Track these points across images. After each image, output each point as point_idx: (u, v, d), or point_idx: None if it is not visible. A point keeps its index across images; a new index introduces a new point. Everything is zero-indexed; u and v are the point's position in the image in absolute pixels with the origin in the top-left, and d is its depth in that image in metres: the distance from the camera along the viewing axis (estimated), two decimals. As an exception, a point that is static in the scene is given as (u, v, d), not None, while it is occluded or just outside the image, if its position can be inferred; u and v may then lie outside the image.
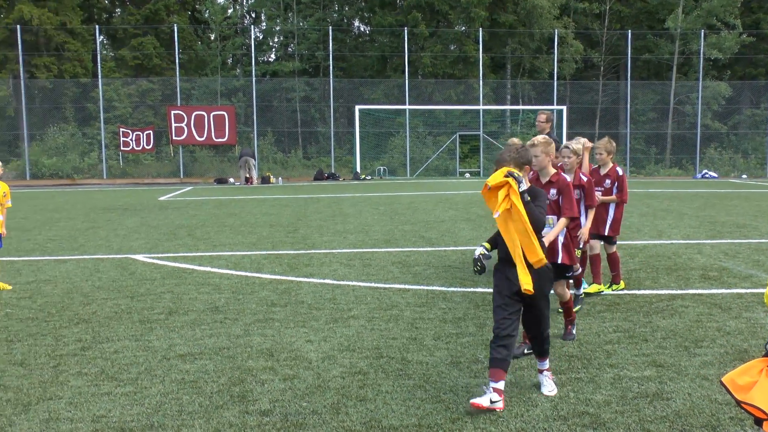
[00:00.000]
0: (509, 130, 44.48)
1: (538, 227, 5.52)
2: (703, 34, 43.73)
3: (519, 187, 5.43)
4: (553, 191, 7.08)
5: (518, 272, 5.46)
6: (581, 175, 8.51)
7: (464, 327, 7.94)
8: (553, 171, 7.12)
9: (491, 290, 9.52)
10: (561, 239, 7.07)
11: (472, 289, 9.76)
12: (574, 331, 7.43)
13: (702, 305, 8.86)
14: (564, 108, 40.69)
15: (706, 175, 41.16)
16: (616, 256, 9.76)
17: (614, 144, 9.70)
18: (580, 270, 8.57)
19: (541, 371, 6.00)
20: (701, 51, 43.85)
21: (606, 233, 9.60)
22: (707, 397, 5.78)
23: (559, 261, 6.98)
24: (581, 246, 8.33)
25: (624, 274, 10.69)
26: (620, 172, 9.59)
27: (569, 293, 7.33)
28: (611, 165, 9.61)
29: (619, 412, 5.47)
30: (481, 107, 43.34)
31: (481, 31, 43.86)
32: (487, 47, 45.30)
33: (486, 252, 5.87)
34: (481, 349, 7.13)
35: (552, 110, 40.48)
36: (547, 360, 6.02)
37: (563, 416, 5.41)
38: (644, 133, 45.25)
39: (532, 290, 5.46)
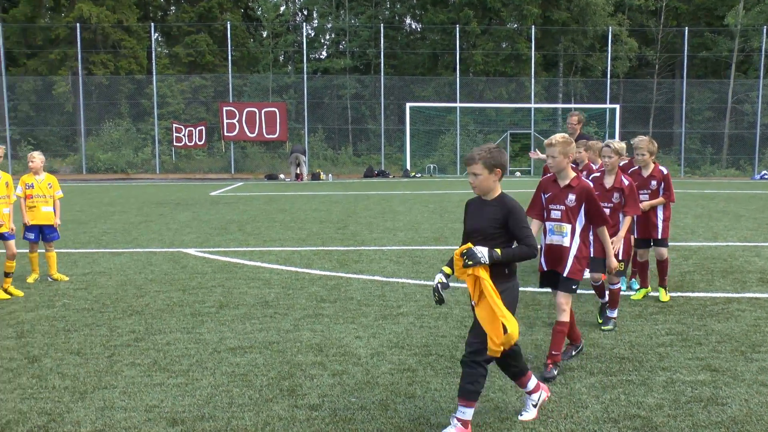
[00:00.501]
0: (560, 128, 43.99)
1: (524, 257, 5.10)
2: (765, 30, 42.70)
3: (481, 259, 4.93)
4: (571, 197, 6.34)
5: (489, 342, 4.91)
6: (623, 178, 7.94)
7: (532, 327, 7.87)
8: (572, 174, 6.43)
9: (541, 290, 9.44)
10: (573, 251, 6.33)
11: (521, 289, 9.68)
12: (555, 372, 6.25)
13: (760, 309, 8.65)
14: (617, 107, 40.16)
15: (766, 176, 40.20)
16: (667, 263, 9.29)
17: (656, 144, 9.22)
18: (619, 285, 7.96)
19: (460, 419, 5.02)
20: (762, 48, 42.84)
21: (660, 236, 9.10)
22: (765, 403, 5.63)
23: (566, 274, 6.30)
24: (621, 258, 7.64)
25: (677, 276, 10.50)
26: (665, 171, 9.11)
27: (569, 312, 6.40)
28: (653, 165, 9.13)
29: (672, 416, 5.37)
30: (532, 105, 43.01)
31: (533, 29, 43.50)
32: (539, 45, 44.93)
33: (444, 280, 5.22)
34: (531, 348, 7.06)
35: (605, 109, 40.05)
36: (471, 407, 5.02)
37: (614, 419, 5.34)
38: (700, 132, 44.39)
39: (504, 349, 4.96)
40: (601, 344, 7.21)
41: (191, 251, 13.06)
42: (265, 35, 49.51)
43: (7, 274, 9.74)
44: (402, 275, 10.73)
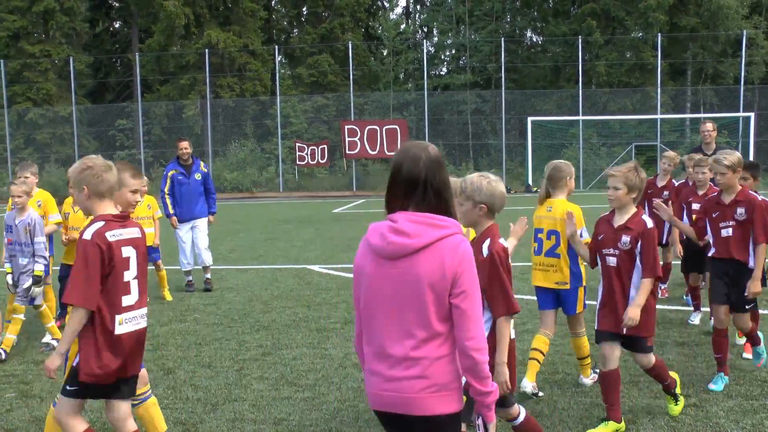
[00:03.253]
0: (689, 139, 42.36)
1: None
2: None
3: None
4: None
5: None
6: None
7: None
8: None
9: (673, 307, 9.09)
10: None
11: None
12: None
13: None
14: (752, 115, 38.17)
15: None
16: (659, 369, 5.60)
17: (642, 175, 5.57)
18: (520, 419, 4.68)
19: None
20: None
21: (624, 330, 5.44)
22: None
23: None
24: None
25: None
26: (649, 225, 5.44)
27: None
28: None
29: (823, 443, 5.01)
30: (658, 116, 41.59)
31: (659, 37, 42.16)
32: (665, 53, 43.46)
33: None
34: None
35: (738, 117, 38.25)
36: None
37: (757, 444, 5.04)
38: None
39: None
40: (739, 366, 6.85)
41: (315, 267, 13.29)
42: (385, 53, 50.11)
43: None
44: (526, 292, 10.55)
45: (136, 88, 45.74)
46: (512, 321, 4.28)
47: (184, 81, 46.32)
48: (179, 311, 9.94)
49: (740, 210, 6.17)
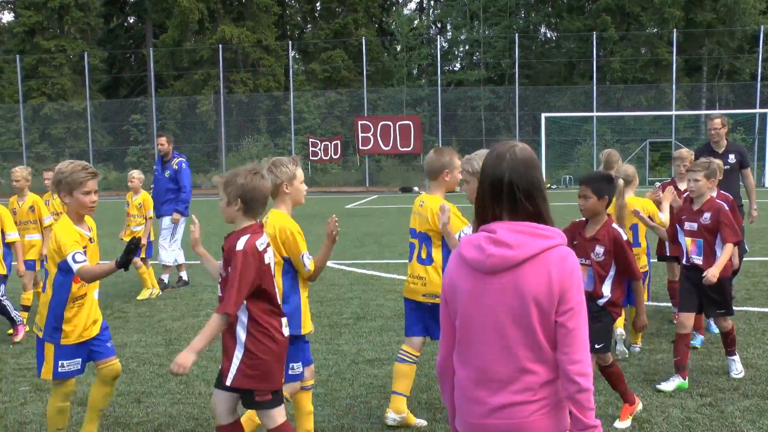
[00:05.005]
0: (703, 136, 42.08)
1: None
2: None
3: None
4: None
5: None
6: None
7: (657, 343, 7.56)
8: None
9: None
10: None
11: (666, 304, 9.26)
12: None
13: None
14: (768, 111, 37.94)
15: None
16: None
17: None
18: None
19: None
20: None
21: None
22: None
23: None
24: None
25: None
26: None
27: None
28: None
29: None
30: (673, 113, 41.36)
31: (675, 32, 41.90)
32: (681, 49, 43.21)
33: None
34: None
35: (754, 114, 37.92)
36: None
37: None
38: None
39: None
40: (755, 365, 6.78)
41: (328, 263, 13.26)
42: (399, 49, 50.06)
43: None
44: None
45: (150, 83, 45.92)
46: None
47: (198, 76, 46.48)
48: (192, 306, 9.95)
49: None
